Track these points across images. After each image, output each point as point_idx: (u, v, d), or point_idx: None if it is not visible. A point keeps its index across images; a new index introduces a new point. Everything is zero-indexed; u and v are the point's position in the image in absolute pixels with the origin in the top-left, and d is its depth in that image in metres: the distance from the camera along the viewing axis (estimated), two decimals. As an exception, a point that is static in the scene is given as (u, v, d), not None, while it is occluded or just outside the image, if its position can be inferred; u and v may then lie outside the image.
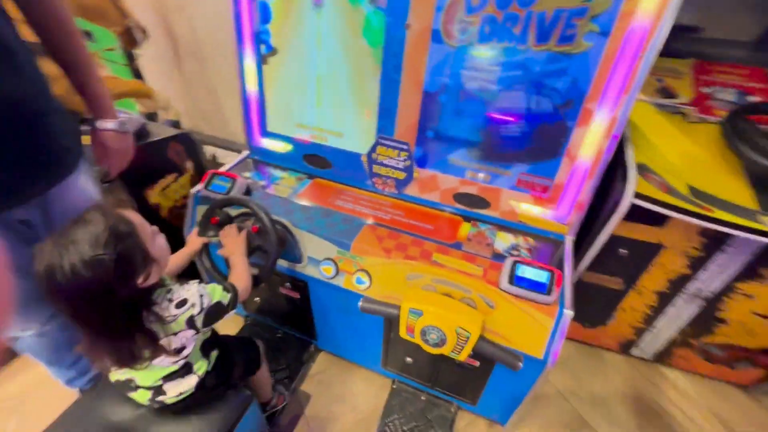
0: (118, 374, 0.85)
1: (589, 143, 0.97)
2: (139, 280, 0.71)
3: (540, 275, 0.94)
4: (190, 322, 0.80)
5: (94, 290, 0.65)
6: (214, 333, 0.99)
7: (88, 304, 0.67)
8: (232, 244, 1.04)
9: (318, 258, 1.15)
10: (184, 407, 0.92)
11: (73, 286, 0.64)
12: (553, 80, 0.94)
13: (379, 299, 1.10)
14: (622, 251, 1.21)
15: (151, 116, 2.11)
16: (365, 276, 1.09)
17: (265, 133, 1.41)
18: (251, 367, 1.11)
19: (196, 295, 0.80)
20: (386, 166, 1.25)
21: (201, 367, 0.91)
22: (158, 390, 0.87)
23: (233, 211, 1.15)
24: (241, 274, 0.98)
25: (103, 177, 1.16)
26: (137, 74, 2.21)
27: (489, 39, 0.96)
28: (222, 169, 1.31)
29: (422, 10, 0.98)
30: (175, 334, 0.79)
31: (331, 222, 1.17)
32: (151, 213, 1.35)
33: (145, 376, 0.85)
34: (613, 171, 1.07)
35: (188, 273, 1.04)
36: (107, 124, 0.97)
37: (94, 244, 0.64)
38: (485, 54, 0.97)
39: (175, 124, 2.09)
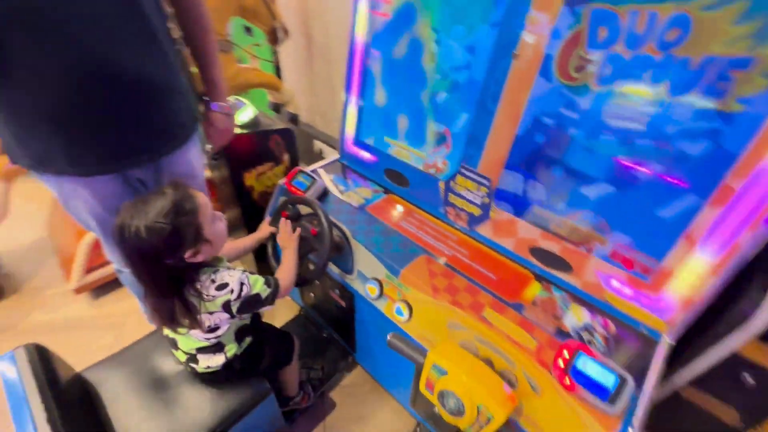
0: (167, 331, 0.96)
1: (720, 230, 0.74)
2: (187, 254, 0.77)
3: (606, 377, 0.75)
4: (226, 306, 0.84)
5: (146, 252, 0.73)
6: (255, 319, 1.04)
7: (141, 263, 0.76)
8: (284, 240, 1.09)
9: (366, 275, 1.13)
10: (210, 380, 0.99)
11: (133, 244, 0.73)
12: (686, 142, 0.74)
13: (415, 337, 1.03)
14: (748, 379, 0.90)
15: (277, 107, 2.37)
16: (405, 308, 1.02)
17: (357, 141, 1.44)
18: (280, 361, 1.14)
19: (237, 282, 0.84)
20: (463, 198, 1.16)
21: (231, 349, 0.96)
22: (192, 357, 0.95)
23: (304, 209, 1.20)
24: (286, 270, 1.01)
25: (213, 154, 1.31)
26: (277, 69, 2.50)
27: (609, 81, 0.80)
28: (310, 168, 1.38)
29: (535, 39, 0.87)
30: (211, 313, 0.84)
31: (388, 242, 1.13)
32: (244, 193, 1.51)
33: (184, 341, 0.93)
34: (750, 272, 0.80)
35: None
36: (215, 107, 1.10)
37: (157, 213, 0.72)
38: (602, 97, 0.82)
39: (293, 117, 2.30)
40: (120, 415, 0.94)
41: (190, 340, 0.92)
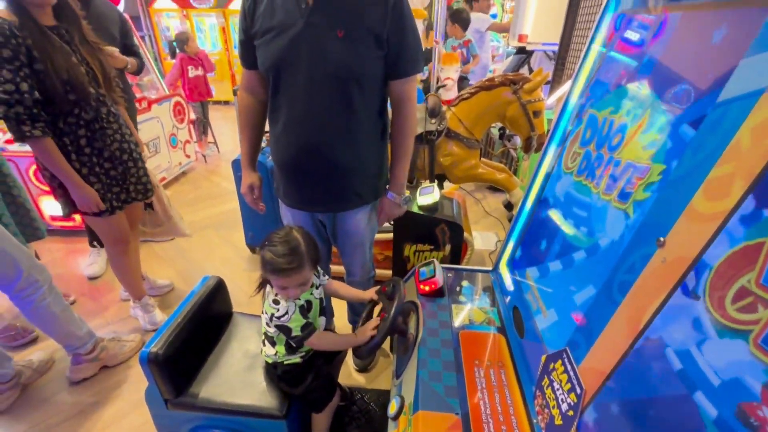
0: None
1: None
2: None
3: None
4: (271, 317, 1.07)
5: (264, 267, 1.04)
6: (317, 353, 1.19)
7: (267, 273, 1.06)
8: (362, 329, 1.16)
9: (398, 388, 1.02)
10: (265, 367, 1.22)
11: (264, 262, 1.03)
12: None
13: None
14: None
15: (510, 205, 2.42)
16: (395, 449, 0.87)
17: (510, 264, 1.30)
18: (311, 401, 1.21)
19: (285, 308, 1.03)
20: (553, 390, 0.84)
21: (278, 351, 1.14)
22: (264, 338, 1.20)
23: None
24: (329, 339, 1.15)
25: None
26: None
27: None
28: (446, 267, 1.38)
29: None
30: (265, 311, 1.09)
31: (436, 372, 0.98)
32: (400, 260, 1.67)
33: (262, 319, 1.20)
34: None
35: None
36: (389, 195, 1.37)
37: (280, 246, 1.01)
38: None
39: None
40: (224, 353, 1.32)
41: (263, 320, 1.18)
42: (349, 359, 1.77)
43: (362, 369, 1.75)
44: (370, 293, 1.30)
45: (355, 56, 1.11)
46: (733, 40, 0.60)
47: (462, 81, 3.93)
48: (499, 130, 3.31)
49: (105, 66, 1.53)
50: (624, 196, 0.77)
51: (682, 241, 0.59)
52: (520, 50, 3.65)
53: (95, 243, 2.41)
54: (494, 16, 6.58)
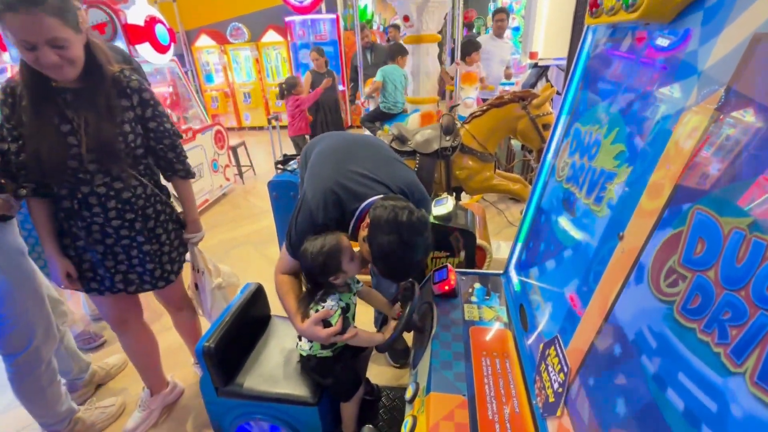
0: None
1: None
2: (331, 278, 1.20)
3: None
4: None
5: (307, 268, 1.21)
6: (346, 347, 1.34)
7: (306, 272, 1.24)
8: (385, 328, 1.30)
9: (414, 376, 1.16)
10: (299, 358, 1.39)
11: (303, 263, 1.22)
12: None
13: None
14: None
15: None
16: (410, 425, 1.00)
17: (517, 266, 1.42)
18: (339, 392, 1.36)
19: (329, 306, 1.20)
20: (548, 373, 0.96)
21: (314, 347, 1.30)
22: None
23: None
24: (360, 335, 1.26)
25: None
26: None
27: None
28: (461, 271, 1.51)
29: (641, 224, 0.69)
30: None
31: (447, 362, 1.11)
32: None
33: None
34: None
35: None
36: None
37: (317, 249, 1.17)
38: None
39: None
40: (264, 349, 1.50)
41: None
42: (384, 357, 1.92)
43: (400, 365, 1.90)
44: (394, 310, 1.42)
45: None
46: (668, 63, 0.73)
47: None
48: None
49: (112, 139, 1.22)
50: (598, 199, 0.89)
51: (634, 234, 0.71)
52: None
53: None
54: (517, 30, 6.72)
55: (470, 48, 3.75)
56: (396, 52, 4.05)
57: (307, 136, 4.36)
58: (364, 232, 1.15)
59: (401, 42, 4.20)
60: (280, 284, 1.30)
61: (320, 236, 1.19)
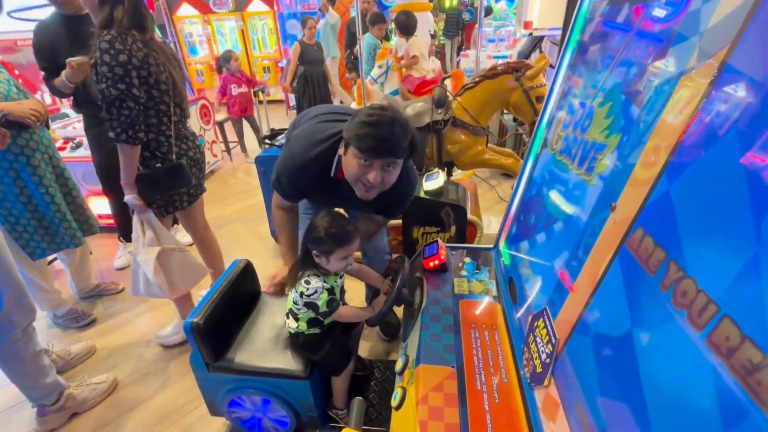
0: None
1: None
2: (315, 252, 1.20)
3: None
4: (300, 295, 1.22)
5: (308, 228, 1.20)
6: (334, 323, 1.34)
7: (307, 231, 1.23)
8: (377, 301, 1.32)
9: (404, 349, 1.17)
10: (289, 337, 1.39)
11: (310, 224, 1.21)
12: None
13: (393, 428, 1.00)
14: None
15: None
16: (400, 397, 1.01)
17: (508, 240, 1.41)
18: (329, 366, 1.37)
19: (314, 288, 1.19)
20: (536, 344, 0.96)
21: (300, 326, 1.31)
22: (288, 312, 1.36)
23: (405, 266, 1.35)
24: (351, 310, 1.29)
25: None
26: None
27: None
28: (451, 246, 1.50)
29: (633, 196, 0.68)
30: (296, 290, 1.24)
31: (436, 334, 1.12)
32: (410, 242, 1.80)
33: (289, 297, 1.35)
34: None
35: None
36: None
37: (327, 223, 1.16)
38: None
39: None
40: (254, 325, 1.50)
41: (289, 297, 1.34)
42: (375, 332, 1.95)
43: (390, 339, 1.92)
44: (386, 284, 1.42)
45: None
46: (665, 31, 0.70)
47: None
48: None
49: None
50: (590, 169, 0.87)
51: (627, 204, 0.69)
52: (532, 33, 3.67)
53: (122, 238, 2.66)
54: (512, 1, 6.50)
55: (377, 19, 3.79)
56: (375, 21, 3.97)
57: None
58: (341, 150, 1.17)
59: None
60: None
61: (342, 218, 1.21)
